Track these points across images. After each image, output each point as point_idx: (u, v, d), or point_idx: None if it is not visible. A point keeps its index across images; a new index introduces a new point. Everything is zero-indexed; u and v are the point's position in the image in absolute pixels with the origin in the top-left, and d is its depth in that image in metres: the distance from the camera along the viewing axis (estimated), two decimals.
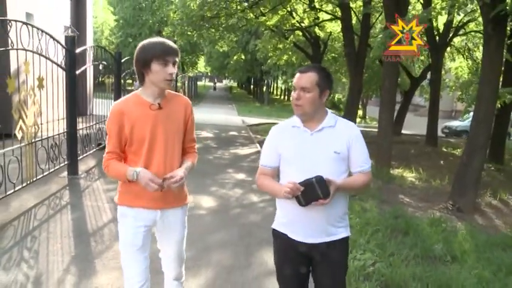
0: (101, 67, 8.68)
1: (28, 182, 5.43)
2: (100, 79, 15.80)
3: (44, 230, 4.45)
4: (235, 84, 71.85)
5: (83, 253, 3.98)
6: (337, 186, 2.13)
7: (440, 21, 15.80)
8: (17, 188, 5.12)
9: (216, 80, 69.01)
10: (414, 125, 22.15)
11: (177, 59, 2.30)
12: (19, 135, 5.25)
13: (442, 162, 12.64)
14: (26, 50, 5.07)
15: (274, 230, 2.40)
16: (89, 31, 16.16)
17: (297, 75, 2.27)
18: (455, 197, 7.19)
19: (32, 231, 4.43)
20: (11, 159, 5.04)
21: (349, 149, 2.26)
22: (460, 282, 3.76)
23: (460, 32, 17.04)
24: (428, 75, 17.72)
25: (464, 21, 16.00)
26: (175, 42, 34.09)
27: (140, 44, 2.32)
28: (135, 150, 2.33)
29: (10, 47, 4.70)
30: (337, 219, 2.29)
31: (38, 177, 5.70)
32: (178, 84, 22.66)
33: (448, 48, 18.11)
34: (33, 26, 5.19)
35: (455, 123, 23.05)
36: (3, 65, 8.96)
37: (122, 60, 9.62)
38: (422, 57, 18.24)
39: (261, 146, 12.17)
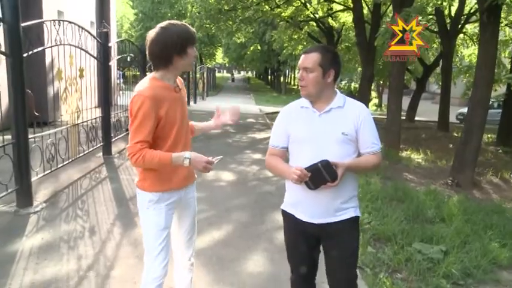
0: (128, 59, 9.47)
1: (72, 159, 6.27)
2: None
3: (90, 196, 5.29)
4: (253, 75, 72.38)
5: (124, 212, 4.79)
6: (345, 168, 2.12)
7: (453, 9, 16.14)
8: (65, 163, 5.96)
9: (234, 71, 69.52)
10: (431, 113, 22.48)
11: None
12: (66, 117, 6.09)
13: (451, 145, 13.12)
14: (71, 45, 5.88)
15: (282, 210, 2.42)
16: (112, 26, 17.01)
17: (302, 56, 2.25)
18: (455, 173, 7.81)
19: (80, 196, 5.28)
20: (60, 138, 5.88)
21: (357, 130, 2.22)
22: (438, 233, 4.45)
23: (473, 19, 17.27)
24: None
25: (477, 7, 16.25)
26: None
27: (167, 29, 2.22)
28: (165, 134, 2.30)
29: (59, 43, 5.49)
30: (345, 199, 2.26)
31: (79, 155, 6.54)
32: (197, 75, 23.46)
33: (462, 35, 18.37)
34: (76, 24, 5.98)
35: None
36: (40, 61, 9.87)
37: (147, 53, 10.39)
38: (435, 45, 18.60)
39: None
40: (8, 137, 4.60)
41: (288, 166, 2.27)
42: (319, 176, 2.08)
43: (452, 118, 17.70)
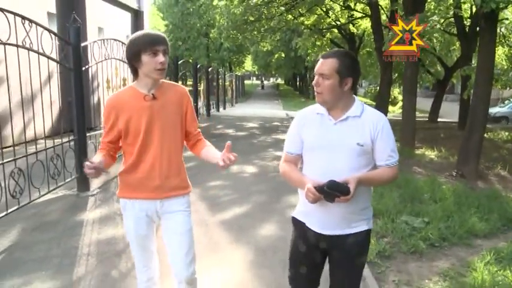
0: None
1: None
2: None
3: None
4: (282, 82, 73.34)
5: None
6: (356, 181, 2.03)
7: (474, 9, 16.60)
8: None
9: (263, 79, 70.40)
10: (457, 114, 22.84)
11: (166, 48, 2.27)
12: None
13: None
14: (116, 59, 6.99)
15: (293, 217, 2.38)
16: None
17: (319, 60, 2.17)
18: (460, 165, 8.51)
19: None
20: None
21: (373, 141, 2.13)
22: (426, 210, 5.26)
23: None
24: None
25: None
26: (221, 44, 35.26)
27: (128, 39, 2.31)
28: (131, 142, 2.34)
29: (108, 58, 6.61)
30: (357, 212, 2.21)
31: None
32: (227, 83, 24.63)
33: None
34: (120, 41, 7.09)
35: (494, 110, 23.41)
36: (85, 73, 11.14)
37: (179, 63, 11.53)
38: (454, 47, 19.09)
39: None
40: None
41: (302, 176, 2.21)
42: (331, 194, 2.02)
43: None
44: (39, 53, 4.62)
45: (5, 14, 3.97)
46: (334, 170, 2.08)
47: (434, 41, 19.03)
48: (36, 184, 5.03)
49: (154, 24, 46.01)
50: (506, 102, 24.39)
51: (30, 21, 4.40)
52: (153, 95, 2.31)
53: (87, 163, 2.12)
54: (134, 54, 2.24)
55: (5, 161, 4.37)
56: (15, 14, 4.11)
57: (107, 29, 13.86)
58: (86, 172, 2.15)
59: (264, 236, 4.53)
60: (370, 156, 2.18)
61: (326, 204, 2.09)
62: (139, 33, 2.29)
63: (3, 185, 4.35)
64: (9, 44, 4.11)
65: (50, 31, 4.85)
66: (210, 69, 18.77)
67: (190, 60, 18.43)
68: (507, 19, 16.91)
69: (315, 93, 2.18)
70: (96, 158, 2.31)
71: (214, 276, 3.61)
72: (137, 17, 17.74)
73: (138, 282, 2.57)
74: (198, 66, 16.12)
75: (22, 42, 4.32)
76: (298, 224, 2.33)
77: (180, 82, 12.06)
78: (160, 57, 2.23)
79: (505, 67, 18.20)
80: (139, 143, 2.31)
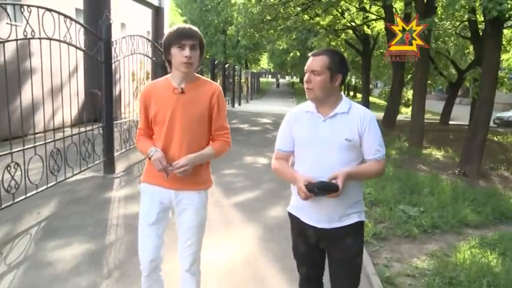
0: None
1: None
2: None
3: None
4: (297, 80, 73.59)
5: None
6: (344, 176, 2.11)
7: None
8: (131, 146, 7.61)
9: (279, 77, 70.59)
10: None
11: (195, 43, 2.33)
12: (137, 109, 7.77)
13: None
14: (141, 54, 7.53)
15: (288, 212, 2.46)
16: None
17: (310, 58, 2.24)
18: (462, 164, 8.90)
19: None
20: (132, 126, 7.56)
21: (361, 136, 2.21)
22: (422, 201, 5.71)
23: (509, 24, 17.71)
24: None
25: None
26: (238, 41, 35.74)
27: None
28: (158, 131, 2.43)
29: (134, 52, 7.15)
30: (349, 205, 2.27)
31: None
32: (242, 80, 25.15)
33: None
34: (144, 37, 7.63)
35: (507, 114, 23.52)
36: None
37: None
38: (467, 51, 19.31)
39: None
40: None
41: (294, 173, 2.29)
42: (321, 193, 2.13)
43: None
44: (77, 47, 5.19)
45: (51, 13, 4.53)
46: (325, 165, 2.17)
47: (450, 43, 19.32)
48: (70, 164, 5.60)
49: (173, 20, 46.63)
50: None
51: (71, 19, 4.95)
52: (182, 89, 2.38)
53: (163, 164, 2.32)
54: (166, 47, 2.35)
55: (46, 141, 4.95)
56: (59, 13, 4.67)
57: (129, 24, 14.43)
58: (158, 168, 2.33)
59: (272, 217, 5.03)
60: (359, 150, 2.25)
61: (318, 199, 2.18)
62: (174, 26, 2.40)
63: (45, 163, 4.92)
64: (54, 39, 4.67)
65: (86, 28, 5.41)
66: (226, 66, 19.28)
67: (208, 56, 18.96)
68: None
69: (306, 89, 2.25)
70: (148, 144, 2.43)
71: (227, 248, 4.14)
72: (158, 13, 18.31)
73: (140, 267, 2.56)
74: (216, 62, 16.62)
75: (64, 38, 4.87)
76: (294, 220, 2.41)
77: None
78: (186, 51, 2.28)
79: None
80: (164, 132, 2.40)
